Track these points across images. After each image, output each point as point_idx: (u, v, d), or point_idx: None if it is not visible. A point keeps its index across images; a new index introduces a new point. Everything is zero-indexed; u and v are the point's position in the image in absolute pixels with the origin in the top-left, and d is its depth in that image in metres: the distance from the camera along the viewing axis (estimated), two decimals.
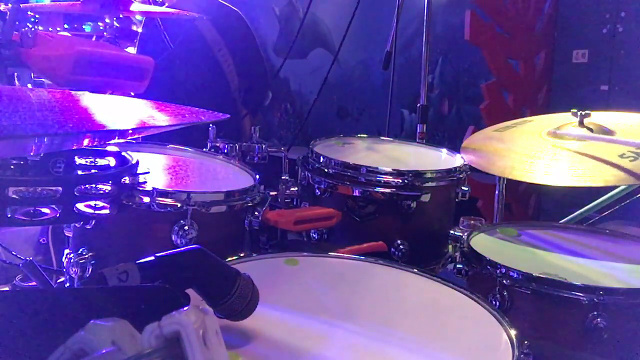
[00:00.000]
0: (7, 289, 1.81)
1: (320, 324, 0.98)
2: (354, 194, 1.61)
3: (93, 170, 1.23)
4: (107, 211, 1.22)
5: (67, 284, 1.36)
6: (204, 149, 1.72)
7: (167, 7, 2.99)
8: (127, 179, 1.25)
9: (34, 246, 2.05)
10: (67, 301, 0.79)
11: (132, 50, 2.99)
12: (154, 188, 1.29)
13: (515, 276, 1.25)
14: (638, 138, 1.45)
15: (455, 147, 1.88)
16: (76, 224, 1.37)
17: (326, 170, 1.65)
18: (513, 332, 0.97)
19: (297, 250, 1.30)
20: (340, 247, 1.36)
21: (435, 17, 2.69)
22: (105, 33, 2.62)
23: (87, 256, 1.32)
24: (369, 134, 2.06)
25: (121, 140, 1.40)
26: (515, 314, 1.23)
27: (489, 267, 1.29)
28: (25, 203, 1.08)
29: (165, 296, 0.84)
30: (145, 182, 1.28)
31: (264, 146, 1.71)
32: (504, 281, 1.25)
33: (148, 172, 1.29)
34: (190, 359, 0.53)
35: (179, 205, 1.30)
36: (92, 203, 1.20)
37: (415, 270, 1.21)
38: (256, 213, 1.42)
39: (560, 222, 2.11)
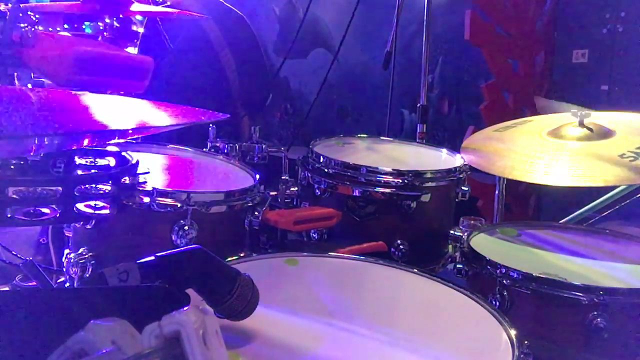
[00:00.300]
0: (7, 289, 1.81)
1: (320, 324, 0.98)
2: (354, 194, 1.61)
3: (93, 170, 1.23)
4: (107, 211, 1.22)
5: (67, 284, 1.36)
6: (204, 149, 1.72)
7: (168, 6, 2.99)
8: (127, 179, 1.25)
9: (34, 246, 2.05)
10: (67, 301, 0.79)
11: (132, 50, 2.99)
12: (154, 188, 1.29)
13: (515, 276, 1.25)
14: (638, 138, 1.45)
15: (455, 147, 1.88)
16: (76, 224, 1.37)
17: (326, 170, 1.65)
18: (513, 332, 0.97)
19: (297, 250, 1.30)
20: (340, 247, 1.36)
21: (435, 17, 2.68)
22: (105, 33, 2.62)
23: (87, 256, 1.32)
24: (369, 134, 2.05)
25: (121, 140, 1.40)
26: (515, 314, 1.23)
27: (489, 267, 1.29)
28: (25, 203, 1.08)
29: (165, 296, 0.84)
30: (145, 182, 1.28)
31: (264, 146, 1.71)
32: (504, 281, 1.25)
33: (148, 172, 1.29)
34: (190, 359, 0.53)
35: (179, 205, 1.30)
36: (92, 203, 1.20)
37: (415, 270, 1.21)
38: (256, 213, 1.42)
39: (560, 222, 2.11)
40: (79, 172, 1.20)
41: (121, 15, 2.64)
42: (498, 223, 1.69)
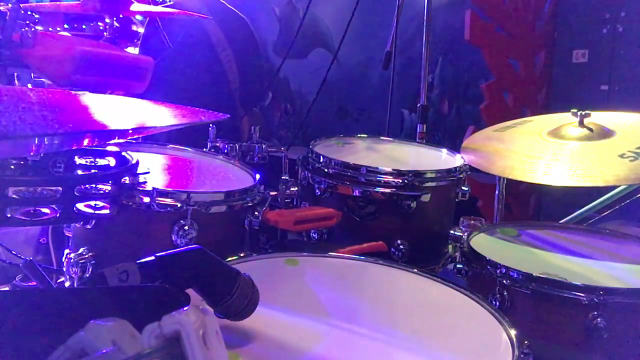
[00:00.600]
0: (7, 289, 1.81)
1: (320, 324, 0.98)
2: (354, 194, 1.61)
3: (93, 170, 1.23)
4: (107, 211, 1.22)
5: (67, 284, 1.36)
6: (204, 149, 1.72)
7: (169, 6, 2.99)
8: (127, 179, 1.25)
9: (34, 246, 2.05)
10: (67, 301, 0.79)
11: (132, 50, 2.99)
12: (154, 188, 1.29)
13: (515, 276, 1.25)
14: (638, 138, 1.45)
15: (455, 147, 1.88)
16: (76, 224, 1.37)
17: (326, 170, 1.65)
18: (513, 332, 0.97)
19: (297, 250, 1.30)
20: (340, 247, 1.36)
21: (435, 17, 2.69)
22: (105, 33, 2.62)
23: (87, 256, 1.32)
24: (369, 134, 2.05)
25: (121, 140, 1.40)
26: (515, 314, 1.23)
27: (489, 267, 1.29)
28: (25, 203, 1.08)
29: (165, 296, 0.84)
30: (145, 182, 1.28)
31: (264, 146, 1.71)
32: (504, 281, 1.25)
33: (148, 172, 1.29)
34: (190, 359, 0.53)
35: (179, 205, 1.30)
36: (92, 203, 1.20)
37: (415, 270, 1.21)
38: (256, 213, 1.42)
39: (560, 222, 2.11)
40: (79, 172, 1.20)
41: (121, 15, 2.64)
42: (498, 223, 1.69)
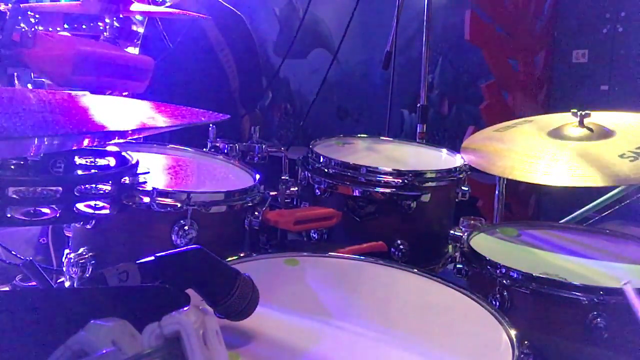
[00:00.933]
0: (7, 289, 1.81)
1: (320, 324, 0.99)
2: (354, 194, 1.61)
3: (93, 170, 1.23)
4: (107, 211, 1.22)
5: (67, 284, 1.36)
6: (204, 149, 1.72)
7: (168, 7, 2.99)
8: (127, 179, 1.25)
9: (34, 246, 2.05)
10: (67, 301, 0.79)
11: (132, 50, 2.99)
12: (154, 188, 1.29)
13: (515, 276, 1.25)
14: (638, 138, 1.45)
15: (455, 147, 1.88)
16: (76, 224, 1.37)
17: (326, 170, 1.65)
18: (513, 332, 0.97)
19: (297, 250, 1.30)
20: (340, 247, 1.36)
21: (435, 17, 2.69)
22: (105, 33, 2.62)
23: (87, 256, 1.32)
24: (369, 134, 2.05)
25: (121, 141, 1.40)
26: (515, 314, 1.23)
27: (489, 267, 1.29)
28: (25, 203, 1.08)
29: (165, 296, 0.84)
30: (145, 182, 1.28)
31: (264, 146, 1.71)
32: (504, 281, 1.25)
33: (148, 172, 1.29)
34: (190, 359, 0.53)
35: (179, 205, 1.30)
36: (92, 203, 1.20)
37: (415, 270, 1.21)
38: (256, 213, 1.42)
39: (560, 222, 2.11)
40: (79, 172, 1.20)
41: (121, 15, 2.64)
42: (498, 223, 1.69)
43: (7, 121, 0.66)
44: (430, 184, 1.63)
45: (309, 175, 1.68)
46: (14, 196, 1.07)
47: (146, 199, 1.28)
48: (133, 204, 1.28)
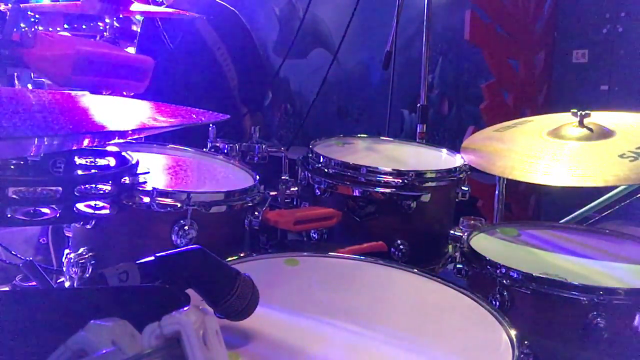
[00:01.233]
0: (7, 289, 1.81)
1: (320, 324, 0.98)
2: (354, 194, 1.61)
3: (93, 170, 1.23)
4: (107, 211, 1.22)
5: (67, 284, 1.36)
6: (204, 149, 1.72)
7: (165, 7, 2.99)
8: (127, 179, 1.25)
9: (34, 246, 2.05)
10: (67, 301, 0.79)
11: (132, 50, 2.99)
12: (154, 188, 1.29)
13: (515, 276, 1.25)
14: (638, 138, 1.45)
15: (455, 147, 1.88)
16: (76, 224, 1.37)
17: (326, 170, 1.65)
18: (513, 332, 0.97)
19: (297, 250, 1.30)
20: (340, 247, 1.36)
21: (435, 17, 2.68)
22: (105, 33, 2.62)
23: (87, 256, 1.32)
24: (369, 134, 2.05)
25: (121, 140, 1.40)
26: (515, 314, 1.23)
27: (489, 267, 1.29)
28: (25, 203, 1.08)
29: (165, 296, 0.84)
30: (145, 182, 1.28)
31: (264, 146, 1.71)
32: (504, 281, 1.25)
33: (148, 172, 1.29)
34: (190, 359, 0.53)
35: (179, 205, 1.30)
36: (92, 203, 1.20)
37: (415, 270, 1.21)
38: (256, 213, 1.42)
39: (560, 222, 2.11)
40: (79, 172, 1.20)
41: (121, 15, 2.64)
42: (498, 223, 1.69)
43: (7, 121, 0.66)
44: (430, 184, 1.63)
45: (309, 175, 1.68)
46: (14, 196, 1.07)
47: (146, 199, 1.28)
48: (133, 204, 1.28)
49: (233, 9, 3.23)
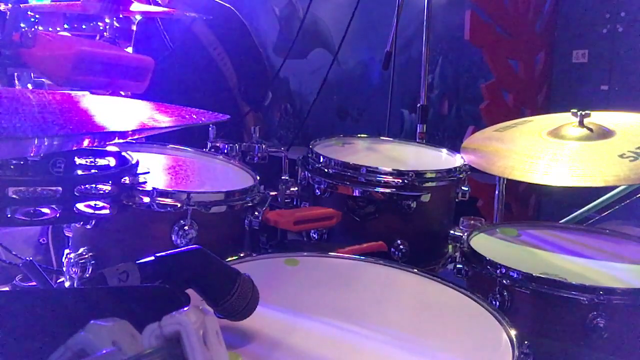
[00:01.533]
0: (7, 289, 1.81)
1: (320, 324, 0.98)
2: (354, 194, 1.61)
3: (93, 170, 1.23)
4: (107, 211, 1.22)
5: (67, 284, 1.36)
6: (204, 149, 1.72)
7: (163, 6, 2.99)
8: (127, 179, 1.25)
9: (34, 246, 2.05)
10: (67, 301, 0.79)
11: (131, 50, 2.99)
12: (154, 188, 1.29)
13: (515, 276, 1.25)
14: (638, 138, 1.45)
15: (455, 147, 1.88)
16: (76, 224, 1.37)
17: (326, 170, 1.65)
18: (513, 332, 0.97)
19: (297, 250, 1.30)
20: (340, 247, 1.36)
21: (435, 17, 2.69)
22: (105, 33, 2.62)
23: (87, 256, 1.32)
24: (369, 134, 2.05)
25: (121, 141, 1.40)
26: (515, 314, 1.23)
27: (489, 267, 1.29)
28: (25, 203, 1.08)
29: (165, 296, 0.84)
30: (145, 182, 1.28)
31: (264, 146, 1.71)
32: (504, 281, 1.25)
33: (148, 172, 1.29)
34: (190, 359, 0.53)
35: (179, 205, 1.30)
36: (92, 203, 1.20)
37: (415, 270, 1.21)
38: (256, 213, 1.42)
39: (560, 222, 2.11)
40: (79, 172, 1.20)
41: (121, 15, 2.64)
42: (498, 223, 1.69)
43: (7, 121, 0.66)
44: (430, 184, 1.63)
45: (309, 175, 1.68)
46: (14, 196, 1.07)
47: (146, 199, 1.28)
48: (133, 204, 1.28)
49: (231, 7, 3.23)
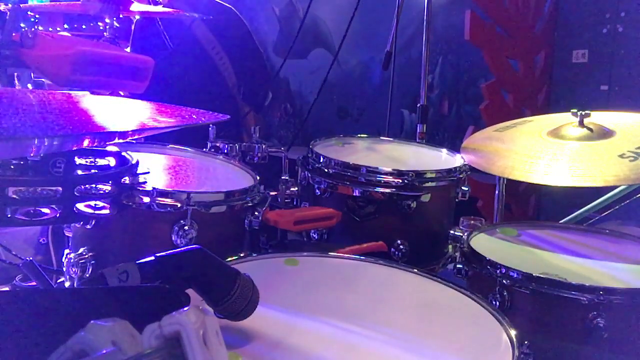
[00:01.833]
0: (7, 289, 1.81)
1: (320, 324, 0.99)
2: (354, 194, 1.61)
3: (93, 170, 1.23)
4: (107, 211, 1.22)
5: (67, 284, 1.36)
6: (204, 149, 1.72)
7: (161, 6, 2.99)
8: (127, 179, 1.25)
9: (34, 246, 2.05)
10: (67, 301, 0.79)
11: (129, 50, 2.99)
12: (154, 188, 1.29)
13: (515, 276, 1.25)
14: (638, 138, 1.45)
15: (455, 147, 1.88)
16: (76, 224, 1.37)
17: (326, 170, 1.65)
18: (513, 332, 0.97)
19: (297, 250, 1.30)
20: (340, 247, 1.36)
21: (435, 17, 2.69)
22: (105, 33, 2.62)
23: (87, 256, 1.32)
24: (369, 134, 2.05)
25: (121, 141, 1.40)
26: (515, 314, 1.23)
27: (489, 267, 1.29)
28: (25, 203, 1.08)
29: (165, 296, 0.84)
30: (145, 182, 1.28)
31: (264, 146, 1.71)
32: (504, 281, 1.25)
33: (148, 172, 1.29)
34: (190, 359, 0.53)
35: (179, 205, 1.30)
36: (92, 203, 1.20)
37: (415, 270, 1.21)
38: (256, 213, 1.42)
39: (560, 222, 2.11)
40: (79, 172, 1.20)
41: (121, 15, 2.64)
42: (498, 223, 1.69)
43: (7, 121, 0.66)
44: (430, 184, 1.63)
45: (309, 175, 1.68)
46: (14, 196, 1.07)
47: (146, 199, 1.28)
48: (133, 204, 1.28)
49: (232, 7, 3.23)
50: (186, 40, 3.05)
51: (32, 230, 2.04)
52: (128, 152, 1.33)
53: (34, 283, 1.47)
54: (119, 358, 0.51)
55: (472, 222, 1.60)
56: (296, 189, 1.67)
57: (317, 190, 1.65)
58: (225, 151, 1.69)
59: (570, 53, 3.24)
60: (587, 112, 1.53)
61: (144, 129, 0.80)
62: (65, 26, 3.20)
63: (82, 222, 1.28)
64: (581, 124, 1.52)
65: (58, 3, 2.79)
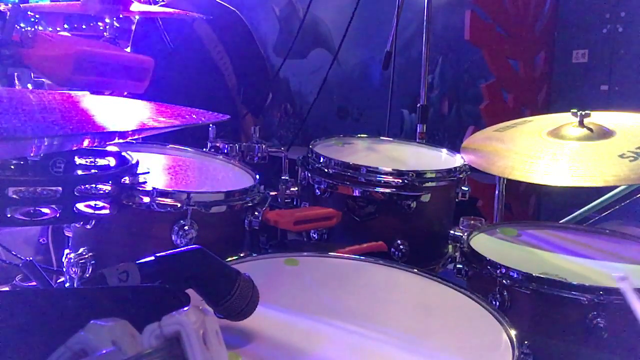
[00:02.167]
0: (7, 289, 1.81)
1: (320, 324, 0.98)
2: (354, 194, 1.61)
3: (93, 170, 1.23)
4: (107, 211, 1.22)
5: (67, 284, 1.36)
6: (204, 149, 1.72)
7: (163, 6, 2.99)
8: (127, 179, 1.25)
9: (34, 246, 2.05)
10: (67, 301, 0.79)
11: (129, 50, 2.99)
12: (154, 188, 1.29)
13: (515, 276, 1.25)
14: (638, 138, 1.45)
15: (455, 147, 1.88)
16: (76, 224, 1.37)
17: (326, 170, 1.65)
18: (513, 332, 0.97)
19: (297, 250, 1.30)
20: (340, 247, 1.36)
21: (435, 17, 2.68)
22: (105, 33, 2.62)
23: (87, 256, 1.32)
24: (369, 134, 2.05)
25: (121, 140, 1.40)
26: (515, 314, 1.23)
27: (489, 267, 1.29)
28: (25, 203, 1.08)
29: (165, 296, 0.84)
30: (145, 182, 1.28)
31: (264, 146, 1.71)
32: (504, 281, 1.25)
33: (148, 172, 1.29)
34: (190, 359, 0.53)
35: (179, 205, 1.30)
36: (92, 203, 1.20)
37: (415, 270, 1.21)
38: (256, 213, 1.42)
39: (560, 222, 2.11)
40: (79, 172, 1.20)
41: (121, 15, 2.64)
42: (498, 223, 1.69)
43: (7, 121, 0.66)
44: (430, 184, 1.63)
45: (309, 175, 1.68)
46: (14, 196, 1.07)
47: (146, 199, 1.28)
48: (133, 204, 1.28)
49: (233, 9, 3.23)
50: (188, 39, 3.05)
51: (32, 230, 2.04)
52: (128, 152, 1.33)
53: (34, 283, 1.47)
54: (119, 358, 0.51)
55: (472, 222, 1.60)
56: (296, 189, 1.67)
57: (317, 190, 1.65)
58: (225, 151, 1.69)
59: (570, 53, 3.24)
60: (587, 112, 1.53)
61: (144, 129, 0.80)
62: (65, 26, 3.20)
63: (82, 222, 1.28)
64: (581, 124, 1.52)
65: (58, 3, 2.79)
